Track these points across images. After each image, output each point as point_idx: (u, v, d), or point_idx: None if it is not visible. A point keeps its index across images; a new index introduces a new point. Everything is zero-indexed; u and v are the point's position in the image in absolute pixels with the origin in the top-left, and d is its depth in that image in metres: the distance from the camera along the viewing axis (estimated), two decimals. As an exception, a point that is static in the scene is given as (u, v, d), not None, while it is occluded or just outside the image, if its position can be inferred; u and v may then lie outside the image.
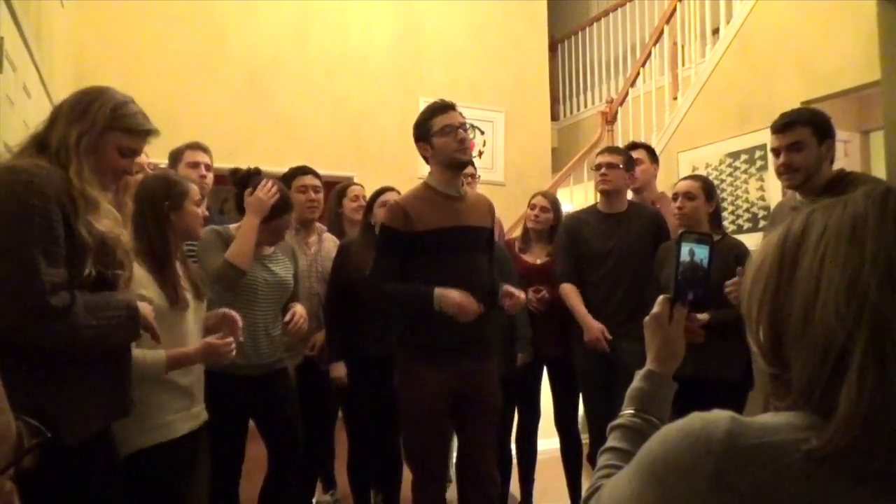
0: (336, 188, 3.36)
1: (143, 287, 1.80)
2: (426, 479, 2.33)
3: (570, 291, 2.88)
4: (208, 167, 2.89)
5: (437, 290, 2.22)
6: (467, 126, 2.36)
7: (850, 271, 0.64)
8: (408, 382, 2.35)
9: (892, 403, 0.60)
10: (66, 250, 1.40)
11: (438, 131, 2.31)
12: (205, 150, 2.90)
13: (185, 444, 1.90)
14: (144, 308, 1.58)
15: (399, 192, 3.00)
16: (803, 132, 2.17)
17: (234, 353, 1.97)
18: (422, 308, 2.24)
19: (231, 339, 1.96)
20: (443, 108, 2.34)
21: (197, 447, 2.01)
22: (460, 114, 2.37)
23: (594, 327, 2.77)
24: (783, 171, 2.22)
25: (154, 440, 1.81)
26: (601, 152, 3.04)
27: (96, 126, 1.51)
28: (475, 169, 3.38)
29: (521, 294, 2.40)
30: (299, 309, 2.52)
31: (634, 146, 3.38)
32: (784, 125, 2.21)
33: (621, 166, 2.90)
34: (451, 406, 2.35)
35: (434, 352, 2.30)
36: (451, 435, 2.46)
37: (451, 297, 2.20)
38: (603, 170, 2.90)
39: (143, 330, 1.57)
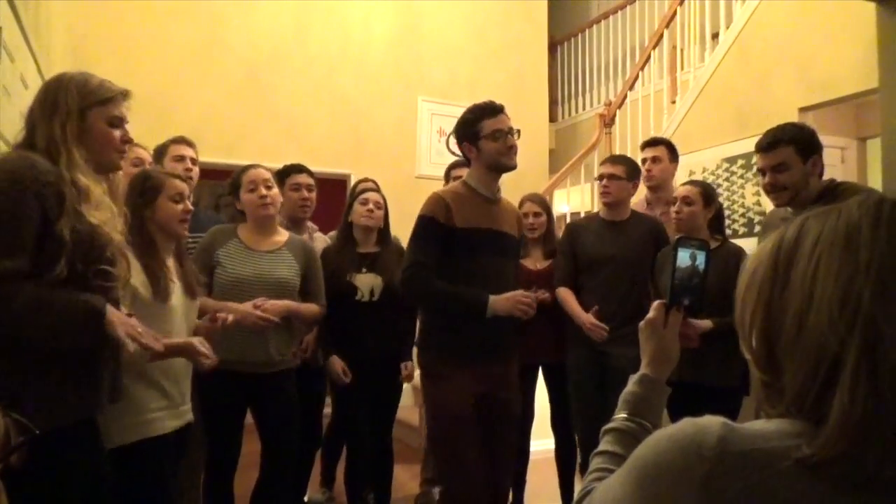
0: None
1: (132, 275, 1.81)
2: (460, 489, 2.19)
3: (565, 295, 2.90)
4: (194, 161, 2.88)
5: (491, 299, 2.19)
6: (515, 130, 2.33)
7: (844, 280, 0.64)
8: (436, 384, 2.28)
9: (883, 412, 0.60)
10: (40, 245, 1.38)
11: (488, 135, 2.27)
12: (189, 143, 2.90)
13: (169, 442, 1.90)
14: (118, 320, 1.49)
15: (376, 184, 3.00)
16: (787, 152, 2.18)
17: (210, 363, 1.91)
18: (474, 313, 2.20)
19: (208, 353, 1.90)
20: (493, 110, 2.30)
21: (183, 445, 2.00)
22: (508, 117, 2.35)
23: (584, 320, 2.77)
24: (770, 191, 2.23)
25: (134, 437, 1.80)
26: (604, 162, 3.03)
27: (72, 111, 1.50)
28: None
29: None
30: (271, 303, 2.38)
31: (656, 142, 3.31)
32: (767, 145, 2.22)
33: (624, 177, 2.89)
34: (474, 410, 2.27)
35: (462, 353, 2.25)
36: (479, 438, 2.32)
37: (506, 301, 2.19)
38: (605, 181, 2.89)
39: (115, 336, 1.47)
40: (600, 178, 2.93)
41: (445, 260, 2.23)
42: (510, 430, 2.37)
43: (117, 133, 1.59)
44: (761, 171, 2.25)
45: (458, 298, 2.23)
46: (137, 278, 1.86)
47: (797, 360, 0.66)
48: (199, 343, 1.89)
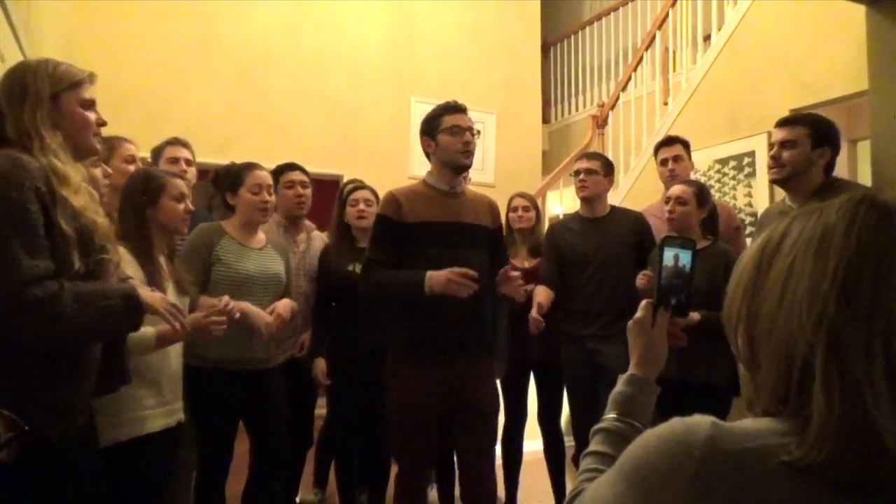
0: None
1: (129, 272, 1.82)
2: (408, 479, 2.31)
3: (537, 289, 2.86)
4: (189, 162, 2.87)
5: (429, 273, 2.15)
6: (475, 131, 2.34)
7: (812, 283, 0.65)
8: (397, 381, 2.31)
9: (858, 418, 0.60)
10: (50, 244, 1.36)
11: (446, 129, 2.29)
12: (184, 144, 2.89)
13: (160, 440, 1.89)
14: (151, 296, 1.57)
15: (362, 183, 3.02)
16: (800, 132, 2.22)
17: (223, 327, 1.98)
18: (413, 293, 2.18)
19: (219, 317, 1.97)
20: (455, 108, 2.33)
21: (174, 444, 2.00)
22: (471, 119, 2.35)
23: (533, 313, 2.74)
24: (770, 165, 2.27)
25: (126, 435, 1.80)
26: (580, 158, 3.05)
27: (43, 96, 1.46)
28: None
29: (516, 274, 2.28)
30: (280, 306, 2.44)
31: (673, 140, 3.20)
32: (785, 121, 2.28)
33: (600, 172, 2.90)
34: (443, 409, 2.30)
35: (426, 351, 2.26)
36: (435, 437, 2.40)
37: (441, 276, 2.12)
38: (581, 176, 2.91)
39: (152, 313, 1.56)
40: (576, 173, 2.95)
41: (404, 255, 2.27)
42: (482, 428, 2.35)
43: (92, 116, 1.56)
44: (770, 146, 2.30)
45: (399, 281, 2.25)
46: (134, 276, 1.85)
47: (769, 359, 0.67)
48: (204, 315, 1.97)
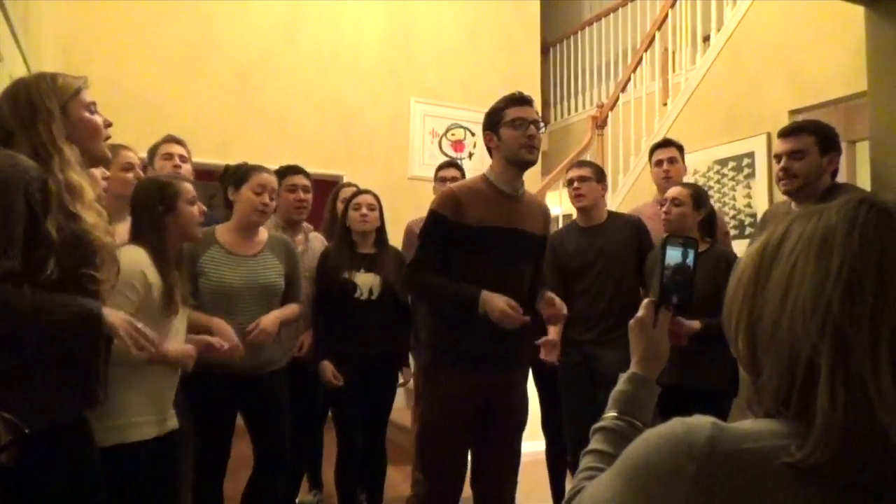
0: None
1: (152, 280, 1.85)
2: (438, 492, 2.21)
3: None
4: (182, 157, 2.87)
5: (484, 293, 2.06)
6: (541, 125, 2.21)
7: (816, 284, 0.65)
8: (431, 388, 2.23)
9: (862, 419, 0.60)
10: (29, 246, 1.35)
11: (509, 122, 2.17)
12: (178, 141, 2.90)
13: (151, 447, 1.87)
14: (115, 317, 1.49)
15: (373, 194, 2.99)
16: (807, 140, 2.21)
17: (224, 349, 2.00)
18: (465, 308, 2.09)
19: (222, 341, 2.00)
20: (520, 100, 2.20)
21: (169, 451, 1.98)
22: (536, 111, 2.23)
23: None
24: (781, 177, 2.24)
25: (114, 440, 1.78)
26: (571, 167, 3.01)
27: (53, 111, 1.46)
28: (461, 173, 3.37)
29: (562, 306, 2.22)
30: (264, 321, 2.39)
31: (669, 143, 3.24)
32: (790, 130, 2.26)
33: (593, 178, 2.88)
34: (475, 417, 2.23)
35: (463, 358, 2.18)
36: (467, 452, 2.31)
37: (497, 303, 2.03)
38: (575, 184, 2.86)
39: (113, 335, 1.49)
40: (570, 182, 2.90)
41: (457, 258, 2.15)
42: (512, 440, 2.30)
43: (98, 119, 1.57)
44: (777, 157, 2.27)
45: (450, 293, 2.14)
46: (157, 290, 1.88)
47: (772, 360, 0.67)
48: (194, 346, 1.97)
